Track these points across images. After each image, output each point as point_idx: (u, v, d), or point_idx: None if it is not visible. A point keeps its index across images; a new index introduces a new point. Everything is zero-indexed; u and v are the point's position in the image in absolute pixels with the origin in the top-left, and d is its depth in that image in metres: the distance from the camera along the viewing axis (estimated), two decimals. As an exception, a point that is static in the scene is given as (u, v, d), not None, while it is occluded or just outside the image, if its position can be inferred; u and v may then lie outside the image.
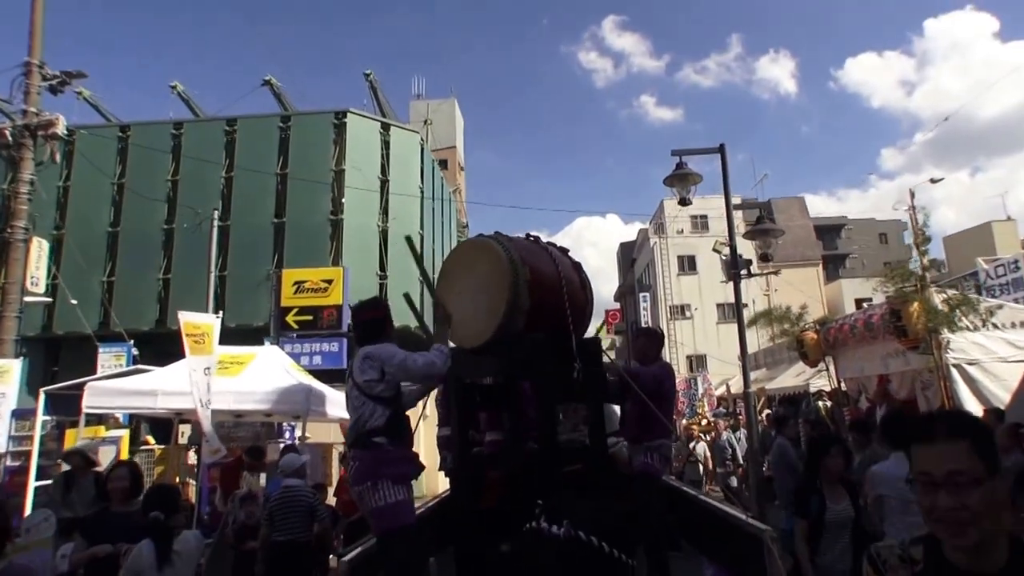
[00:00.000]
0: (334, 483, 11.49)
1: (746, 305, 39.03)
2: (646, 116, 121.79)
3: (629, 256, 54.24)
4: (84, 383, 7.68)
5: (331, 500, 8.25)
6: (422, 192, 21.51)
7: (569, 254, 4.45)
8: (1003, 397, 9.67)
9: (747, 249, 14.41)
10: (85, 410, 7.56)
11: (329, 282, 16.75)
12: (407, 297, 4.69)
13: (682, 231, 39.72)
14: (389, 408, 3.36)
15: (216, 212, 13.48)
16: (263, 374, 8.57)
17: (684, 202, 12.24)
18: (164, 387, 7.80)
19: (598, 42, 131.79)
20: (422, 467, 3.54)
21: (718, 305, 37.16)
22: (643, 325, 32.59)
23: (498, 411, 4.59)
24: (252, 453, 8.62)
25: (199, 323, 7.95)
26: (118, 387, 7.84)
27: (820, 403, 15.99)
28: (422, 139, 22.50)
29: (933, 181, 22.01)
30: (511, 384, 4.43)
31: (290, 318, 16.67)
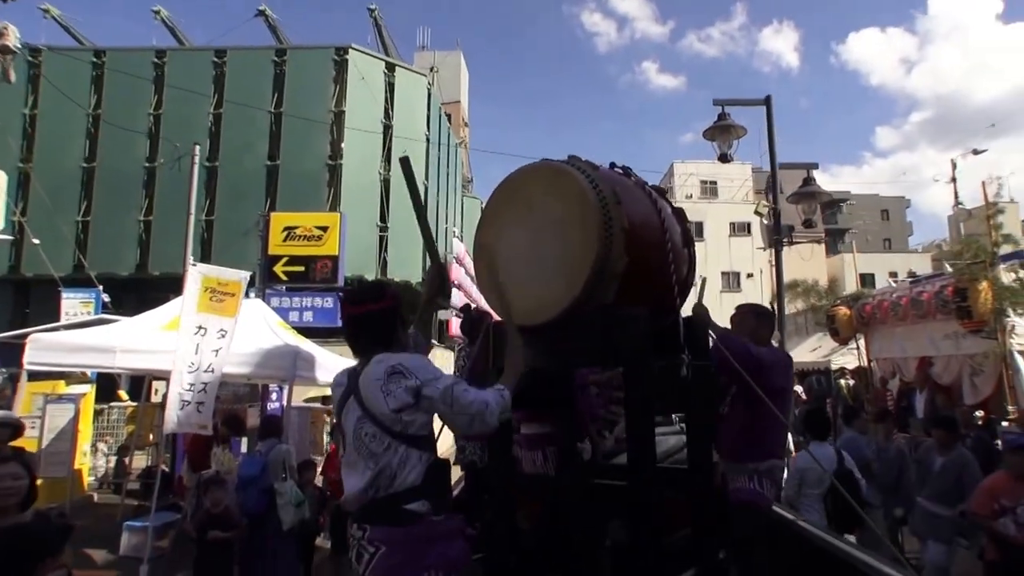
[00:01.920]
0: (324, 451, 10.40)
1: (751, 275, 37.82)
2: (648, 83, 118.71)
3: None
4: (27, 334, 6.36)
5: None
6: (428, 140, 19.90)
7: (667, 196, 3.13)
8: None
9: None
10: (26, 367, 6.26)
11: (324, 229, 15.13)
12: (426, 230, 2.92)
13: (691, 196, 38.38)
14: (426, 452, 2.12)
15: (198, 147, 11.92)
16: (245, 333, 7.27)
17: (725, 158, 10.82)
18: (126, 343, 6.49)
19: (602, 4, 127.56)
20: (475, 538, 2.28)
21: (723, 273, 36.05)
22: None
23: (548, 409, 3.34)
24: (229, 423, 7.39)
25: (227, 279, 6.44)
26: (67, 341, 6.50)
27: (842, 381, 15.00)
28: (429, 83, 20.77)
29: (976, 152, 20.65)
30: (568, 373, 3.17)
31: (279, 268, 15.03)
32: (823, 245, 42.06)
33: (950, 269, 12.99)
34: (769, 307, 4.05)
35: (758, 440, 3.29)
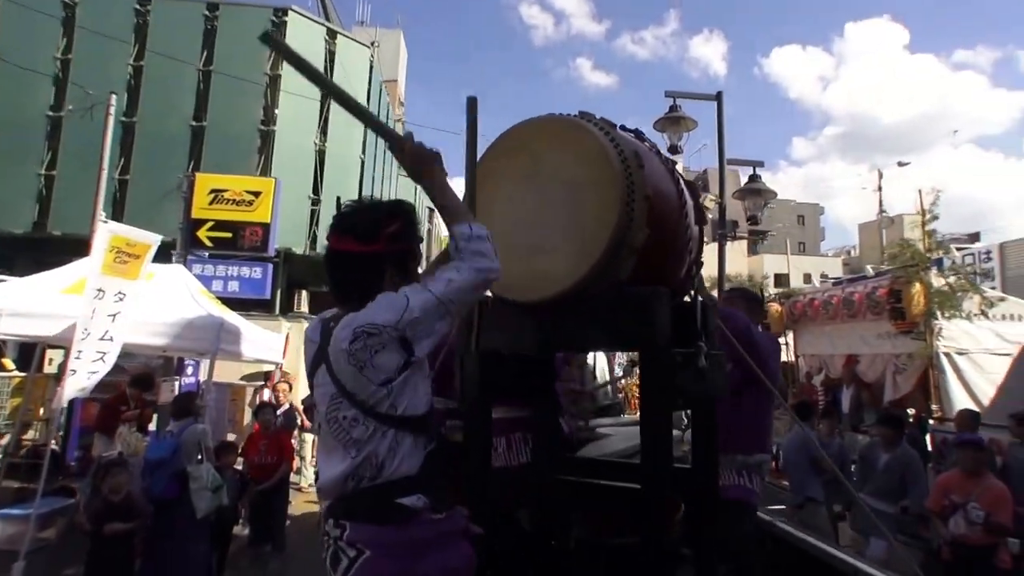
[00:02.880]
0: (244, 430, 9.57)
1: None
2: (581, 79, 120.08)
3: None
4: None
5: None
6: (366, 113, 18.93)
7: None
8: (987, 390, 9.03)
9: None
10: None
11: (256, 195, 13.93)
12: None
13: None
14: (423, 436, 1.65)
15: (114, 97, 10.60)
16: (162, 300, 6.45)
17: (675, 150, 10.66)
18: (14, 306, 5.56)
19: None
20: (482, 537, 1.77)
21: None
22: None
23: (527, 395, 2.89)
24: (138, 382, 6.60)
25: (135, 240, 5.68)
26: (-60, 301, 5.50)
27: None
28: (372, 56, 19.72)
29: (901, 164, 21.64)
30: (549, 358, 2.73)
31: (203, 233, 13.71)
32: (745, 244, 43.61)
33: (871, 272, 13.41)
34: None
35: (748, 430, 2.99)
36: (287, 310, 16.50)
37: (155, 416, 7.94)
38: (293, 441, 8.24)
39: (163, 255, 11.29)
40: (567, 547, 2.44)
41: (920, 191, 11.26)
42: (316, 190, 17.25)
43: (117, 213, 14.96)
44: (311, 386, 1.71)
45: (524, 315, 2.17)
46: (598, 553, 2.44)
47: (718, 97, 10.79)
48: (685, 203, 2.35)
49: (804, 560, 2.74)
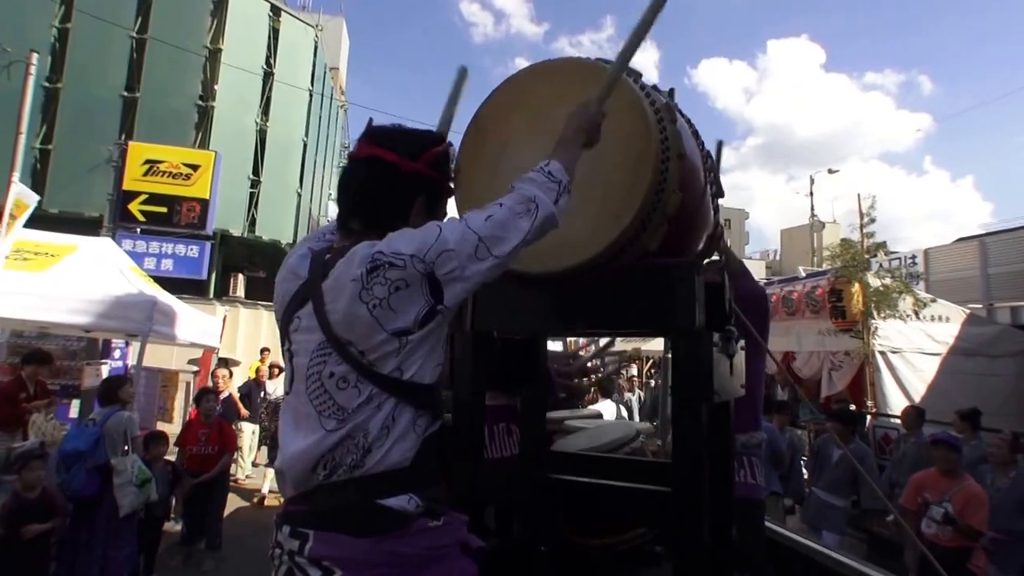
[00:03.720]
0: (175, 418, 8.83)
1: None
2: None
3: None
4: None
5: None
6: (311, 95, 18.04)
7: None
8: (919, 388, 9.33)
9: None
10: None
11: (195, 168, 12.90)
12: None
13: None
14: (425, 412, 1.26)
15: (35, 56, 9.46)
16: (85, 274, 5.76)
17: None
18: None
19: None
20: (484, 551, 1.39)
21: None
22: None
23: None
24: (33, 358, 5.88)
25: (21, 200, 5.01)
26: None
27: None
28: (317, 37, 18.82)
29: (831, 171, 22.49)
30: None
31: (135, 206, 12.62)
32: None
33: (803, 273, 13.73)
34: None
35: (745, 404, 2.71)
36: (222, 294, 15.53)
37: (77, 403, 7.21)
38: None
39: (91, 231, 10.30)
40: (558, 552, 2.14)
41: (859, 195, 11.59)
42: (256, 171, 16.30)
43: (37, 184, 13.62)
44: (284, 335, 1.32)
45: (532, 289, 1.83)
46: (597, 558, 2.16)
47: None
48: (711, 168, 2.08)
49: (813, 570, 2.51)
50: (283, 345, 1.33)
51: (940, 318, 9.67)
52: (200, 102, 15.81)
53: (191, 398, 8.78)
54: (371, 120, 1.44)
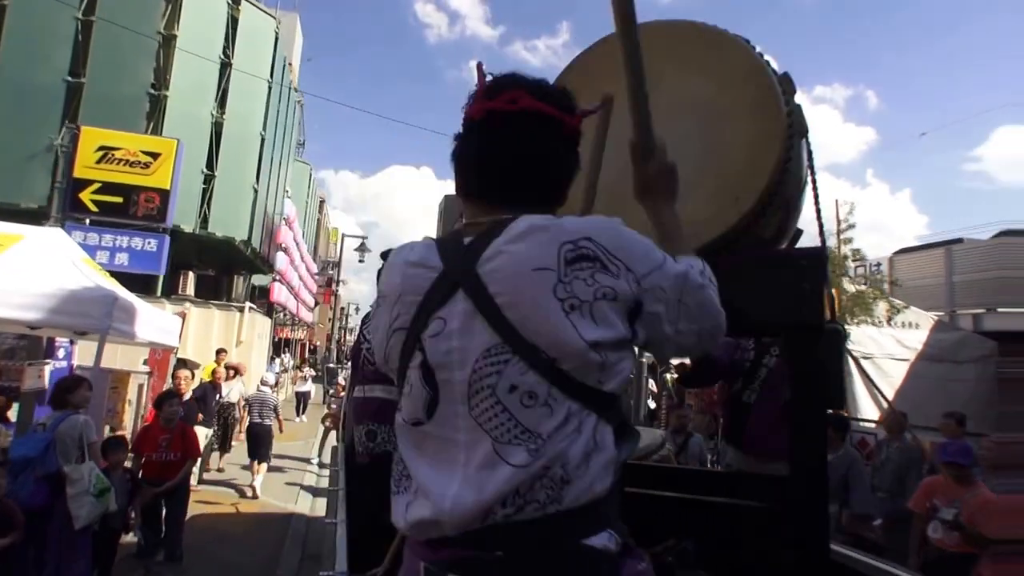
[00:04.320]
0: (126, 422, 8.20)
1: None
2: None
3: (455, 207, 52.52)
4: None
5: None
6: (270, 88, 17.38)
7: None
8: (889, 393, 9.47)
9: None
10: None
11: (154, 156, 12.12)
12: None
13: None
14: (623, 428, 1.01)
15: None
16: (34, 266, 5.25)
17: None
18: None
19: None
20: None
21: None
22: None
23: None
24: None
25: None
26: None
27: (668, 375, 15.62)
28: (277, 29, 18.16)
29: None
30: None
31: (87, 195, 11.73)
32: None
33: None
34: None
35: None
36: (171, 292, 14.74)
37: (15, 405, 6.62)
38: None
39: (33, 224, 9.54)
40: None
41: (836, 201, 11.83)
42: (211, 164, 15.56)
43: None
44: (409, 344, 1.02)
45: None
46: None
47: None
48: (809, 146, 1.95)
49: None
50: (401, 359, 1.04)
51: (910, 324, 9.91)
52: (152, 90, 14.95)
53: (144, 401, 8.20)
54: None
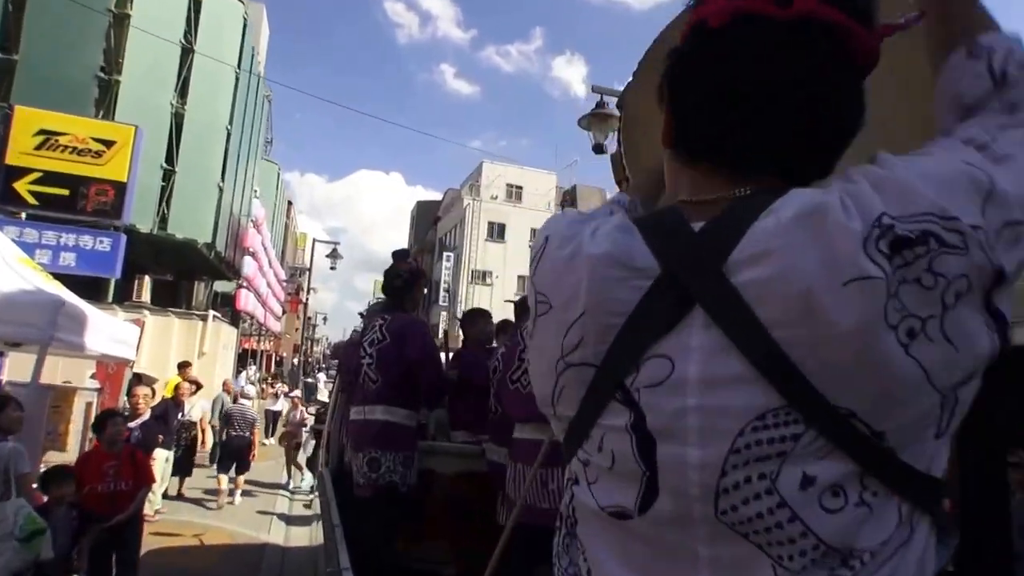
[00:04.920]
0: (70, 446, 7.25)
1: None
2: (444, 84, 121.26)
3: (428, 214, 51.93)
4: None
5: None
6: (237, 77, 16.40)
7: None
8: None
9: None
10: None
11: (108, 144, 10.96)
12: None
13: (496, 197, 38.43)
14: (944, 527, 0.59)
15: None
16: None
17: (600, 149, 9.97)
18: None
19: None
20: None
21: (519, 276, 36.47)
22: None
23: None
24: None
25: None
26: None
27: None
28: (246, 14, 17.18)
29: None
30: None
31: (23, 186, 10.43)
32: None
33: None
34: None
35: None
36: (124, 298, 13.67)
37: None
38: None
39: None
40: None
41: None
42: (170, 159, 14.52)
43: None
44: (606, 392, 0.66)
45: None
46: None
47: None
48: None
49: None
50: (583, 409, 0.69)
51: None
52: (102, 73, 13.74)
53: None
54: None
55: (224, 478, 8.78)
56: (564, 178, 44.59)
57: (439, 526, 3.08)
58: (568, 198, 46.85)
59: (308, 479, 9.65)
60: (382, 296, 3.76)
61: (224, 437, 9.19)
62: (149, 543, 6.18)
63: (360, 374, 3.26)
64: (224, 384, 11.57)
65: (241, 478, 8.97)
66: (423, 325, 3.51)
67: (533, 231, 40.63)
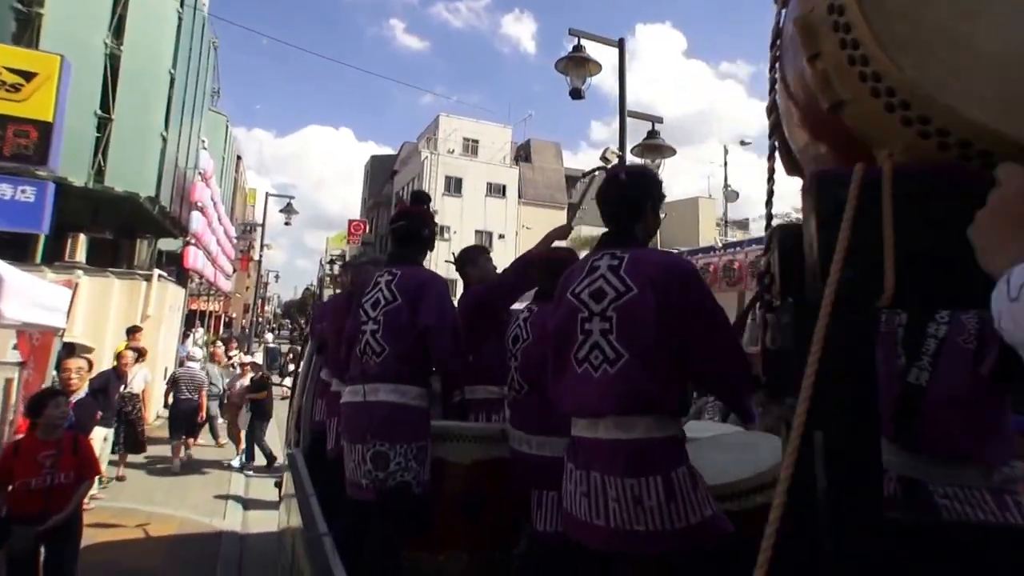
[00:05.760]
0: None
1: (503, 236, 38.70)
2: (393, 40, 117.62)
3: (383, 169, 50.30)
4: None
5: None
6: (180, 18, 14.82)
7: None
8: None
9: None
10: None
11: (27, 77, 9.43)
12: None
13: (452, 151, 37.27)
14: None
15: None
16: None
17: (577, 93, 9.39)
18: None
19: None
20: None
21: (477, 231, 35.68)
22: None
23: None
24: None
25: None
26: None
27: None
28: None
29: (743, 144, 22.73)
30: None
31: None
32: (564, 213, 44.81)
33: (719, 244, 13.31)
34: None
35: (1002, 423, 1.89)
36: (54, 258, 12.41)
37: None
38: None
39: None
40: None
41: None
42: (106, 105, 13.06)
43: None
44: None
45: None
46: None
47: (620, 44, 9.72)
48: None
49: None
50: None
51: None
52: (19, 5, 12.11)
53: (15, 403, 6.24)
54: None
55: (181, 447, 8.68)
56: (519, 133, 43.68)
57: (456, 531, 2.50)
58: (522, 152, 45.98)
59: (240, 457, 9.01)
60: (337, 253, 3.07)
61: (171, 401, 9.03)
62: (84, 536, 5.44)
63: (359, 343, 2.62)
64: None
65: (192, 440, 8.78)
66: (445, 284, 2.75)
67: (489, 185, 39.95)
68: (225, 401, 9.57)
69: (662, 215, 2.16)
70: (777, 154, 1.34)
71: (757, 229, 34.87)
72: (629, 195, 2.07)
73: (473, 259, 3.45)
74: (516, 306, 2.87)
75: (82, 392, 5.46)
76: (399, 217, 2.90)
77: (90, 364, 5.96)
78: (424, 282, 2.65)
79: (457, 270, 3.43)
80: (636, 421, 1.76)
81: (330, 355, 3.63)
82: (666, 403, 1.80)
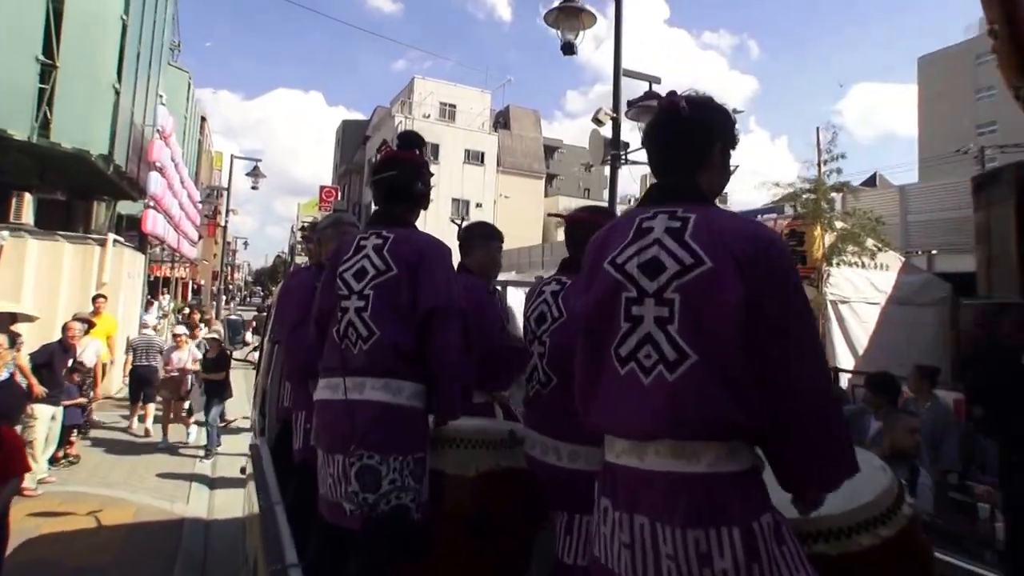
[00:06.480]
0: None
1: (480, 205, 37.99)
2: (365, 2, 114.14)
3: (355, 134, 48.77)
4: None
5: None
6: (130, -42, 13.56)
7: None
8: (863, 339, 8.86)
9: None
10: None
11: None
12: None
13: (428, 116, 36.04)
14: None
15: None
16: None
17: (569, 48, 8.72)
18: None
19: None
20: None
21: (453, 200, 34.76)
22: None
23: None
24: None
25: None
26: None
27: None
28: None
29: (735, 111, 22.78)
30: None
31: None
32: (542, 183, 44.12)
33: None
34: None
35: None
36: None
37: None
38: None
39: None
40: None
41: (818, 128, 10.76)
42: (49, 51, 11.90)
43: None
44: None
45: None
46: None
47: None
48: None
49: None
50: None
51: (882, 266, 9.23)
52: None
53: None
54: None
55: (140, 411, 8.55)
56: (497, 99, 42.50)
57: (458, 560, 1.97)
58: (501, 119, 44.89)
59: (195, 433, 8.22)
60: (309, 220, 2.43)
61: (128, 368, 8.82)
62: (28, 528, 4.80)
63: (339, 324, 2.02)
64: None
65: (151, 406, 8.53)
66: (449, 253, 2.16)
67: (468, 152, 38.92)
68: (160, 376, 8.45)
69: (732, 167, 1.56)
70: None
71: (738, 202, 34.64)
72: (695, 130, 1.46)
73: (489, 237, 2.77)
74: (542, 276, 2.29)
75: (3, 373, 4.75)
76: (386, 165, 2.26)
77: (13, 338, 5.22)
78: (423, 250, 2.06)
79: (461, 241, 2.78)
80: (702, 448, 1.21)
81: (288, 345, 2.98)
82: (746, 425, 1.25)
